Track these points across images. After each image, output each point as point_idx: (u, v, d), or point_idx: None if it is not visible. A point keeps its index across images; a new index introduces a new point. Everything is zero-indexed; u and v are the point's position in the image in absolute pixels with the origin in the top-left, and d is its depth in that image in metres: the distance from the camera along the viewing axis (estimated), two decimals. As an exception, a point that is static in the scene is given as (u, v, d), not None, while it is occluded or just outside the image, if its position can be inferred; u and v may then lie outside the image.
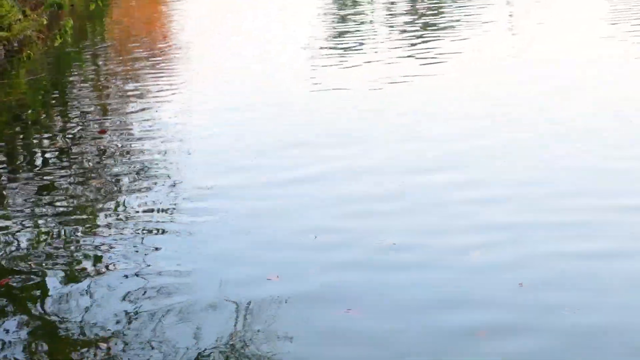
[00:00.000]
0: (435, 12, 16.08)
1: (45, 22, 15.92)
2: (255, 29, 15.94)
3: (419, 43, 13.03)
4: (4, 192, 7.41)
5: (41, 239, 6.27)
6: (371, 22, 15.80)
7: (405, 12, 16.67)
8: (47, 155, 8.79)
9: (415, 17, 15.98)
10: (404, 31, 14.46)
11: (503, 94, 9.80)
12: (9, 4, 15.50)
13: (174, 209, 6.77)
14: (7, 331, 4.76)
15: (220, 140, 8.71)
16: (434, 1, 17.36)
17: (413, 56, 12.13)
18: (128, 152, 8.58)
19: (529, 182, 6.89)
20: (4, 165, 8.31)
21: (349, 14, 16.69)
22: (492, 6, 16.43)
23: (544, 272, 5.25)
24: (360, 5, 18.28)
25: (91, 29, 17.74)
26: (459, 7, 16.34)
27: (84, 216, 6.75)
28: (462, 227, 6.07)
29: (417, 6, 17.23)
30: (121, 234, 6.27)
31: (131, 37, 16.32)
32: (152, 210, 6.72)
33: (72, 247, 6.13)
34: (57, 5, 15.82)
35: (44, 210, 6.88)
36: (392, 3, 17.96)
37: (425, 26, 14.65)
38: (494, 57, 11.88)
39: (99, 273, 5.59)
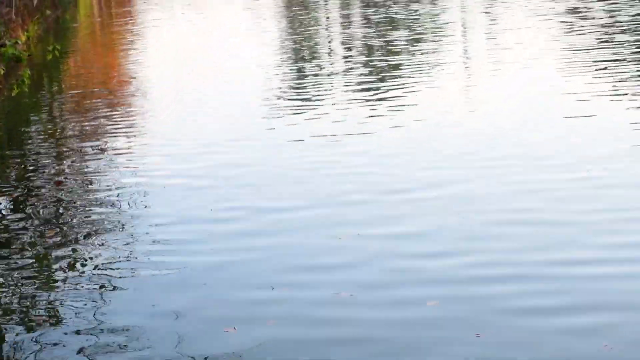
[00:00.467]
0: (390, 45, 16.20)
1: (2, 72, 15.91)
2: (213, 71, 16.04)
3: (375, 91, 13.07)
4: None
5: (-5, 293, 6.27)
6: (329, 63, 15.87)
7: (362, 49, 16.77)
8: (2, 206, 8.78)
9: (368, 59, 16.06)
10: (362, 75, 14.51)
11: (450, 150, 9.85)
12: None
13: (128, 262, 6.81)
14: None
15: (176, 191, 8.78)
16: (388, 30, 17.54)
17: (370, 105, 12.19)
18: (84, 204, 8.62)
19: (478, 237, 7.03)
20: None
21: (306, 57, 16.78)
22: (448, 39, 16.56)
23: (501, 330, 5.38)
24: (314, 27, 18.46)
25: (48, 78, 17.73)
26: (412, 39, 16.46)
27: (39, 270, 6.76)
28: (412, 280, 6.22)
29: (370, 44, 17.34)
30: (76, 289, 6.29)
31: (88, 86, 16.33)
32: (107, 264, 6.75)
33: (27, 302, 6.14)
34: (16, 58, 15.83)
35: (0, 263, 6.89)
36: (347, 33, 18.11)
37: (380, 71, 14.71)
38: (444, 109, 11.91)
39: (53, 327, 5.60)
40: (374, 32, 19.60)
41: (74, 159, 10.94)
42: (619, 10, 19.32)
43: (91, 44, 23.69)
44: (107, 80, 16.93)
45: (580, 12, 19.77)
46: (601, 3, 20.85)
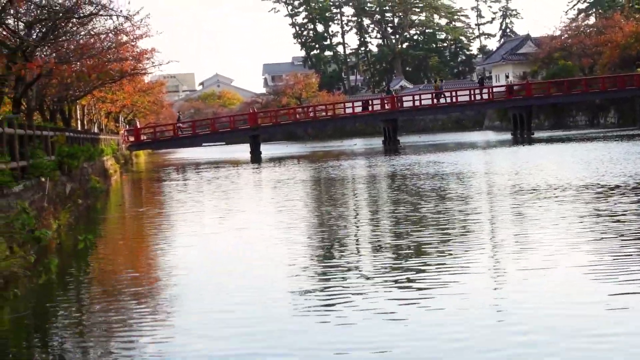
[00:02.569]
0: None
1: (32, 260, 16.05)
2: (241, 264, 16.10)
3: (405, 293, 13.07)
4: None
5: None
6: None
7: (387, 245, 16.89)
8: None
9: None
10: (391, 278, 14.55)
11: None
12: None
13: None
14: None
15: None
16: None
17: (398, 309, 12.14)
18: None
19: None
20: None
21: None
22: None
23: None
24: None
25: (77, 267, 17.83)
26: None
27: None
28: None
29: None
30: None
31: (117, 275, 16.40)
32: None
33: None
34: (36, 239, 16.00)
35: None
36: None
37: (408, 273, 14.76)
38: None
39: None
40: (403, 230, 19.71)
41: (99, 352, 10.85)
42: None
43: (121, 233, 23.95)
44: (136, 270, 17.00)
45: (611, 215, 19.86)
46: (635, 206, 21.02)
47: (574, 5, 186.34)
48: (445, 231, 18.98)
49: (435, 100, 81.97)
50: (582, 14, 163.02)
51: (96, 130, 63.54)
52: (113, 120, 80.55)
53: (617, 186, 25.99)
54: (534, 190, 26.51)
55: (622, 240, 16.51)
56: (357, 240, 18.87)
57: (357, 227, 21.24)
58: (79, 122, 52.75)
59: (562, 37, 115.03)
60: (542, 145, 57.27)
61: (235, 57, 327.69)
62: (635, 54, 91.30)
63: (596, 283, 12.92)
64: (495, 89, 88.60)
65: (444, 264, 15.09)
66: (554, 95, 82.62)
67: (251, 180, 41.54)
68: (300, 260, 16.36)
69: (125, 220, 27.00)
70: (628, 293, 12.11)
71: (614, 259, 14.63)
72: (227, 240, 20.11)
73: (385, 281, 13.89)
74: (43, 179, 24.29)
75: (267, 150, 79.84)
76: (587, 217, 19.94)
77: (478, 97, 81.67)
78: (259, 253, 17.89)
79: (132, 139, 76.30)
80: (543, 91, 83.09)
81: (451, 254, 15.84)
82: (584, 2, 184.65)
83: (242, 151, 79.95)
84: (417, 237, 18.14)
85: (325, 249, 17.64)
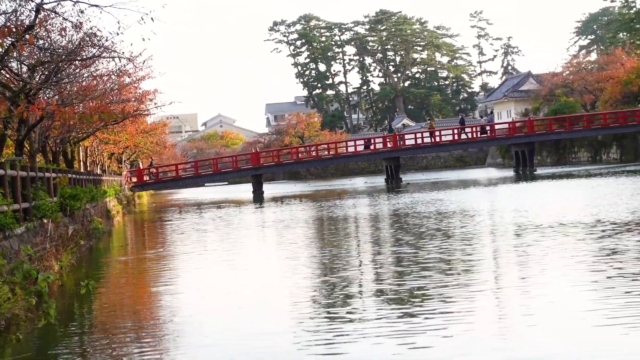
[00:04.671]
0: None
1: (34, 302, 15.98)
2: (245, 305, 16.01)
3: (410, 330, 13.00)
4: None
5: None
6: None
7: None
8: None
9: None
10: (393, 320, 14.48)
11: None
12: (-1, 283, 15.62)
13: None
14: None
15: None
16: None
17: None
18: None
19: None
20: None
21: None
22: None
23: None
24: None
25: (79, 310, 17.79)
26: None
27: None
28: None
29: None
30: None
31: (118, 319, 16.32)
32: None
33: None
34: (37, 293, 15.92)
35: None
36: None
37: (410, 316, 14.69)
38: None
39: None
40: (407, 272, 19.63)
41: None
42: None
43: (124, 275, 23.86)
44: (138, 313, 16.92)
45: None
46: None
47: (575, 42, 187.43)
48: (449, 273, 18.87)
49: (457, 136, 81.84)
50: (584, 51, 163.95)
51: (99, 171, 63.64)
52: (116, 161, 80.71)
53: (622, 223, 25.90)
54: (538, 228, 26.44)
55: (628, 281, 16.40)
56: (360, 283, 18.75)
57: (360, 269, 21.14)
58: (81, 163, 52.84)
59: (564, 74, 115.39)
60: (545, 182, 57.23)
61: (237, 97, 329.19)
62: (637, 90, 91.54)
63: (602, 327, 12.82)
64: (497, 126, 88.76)
65: (448, 311, 14.91)
66: (556, 132, 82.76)
67: (253, 221, 41.49)
68: (302, 305, 16.26)
69: (127, 262, 26.93)
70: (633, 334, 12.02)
71: (620, 300, 14.53)
72: (230, 283, 20.04)
73: (388, 326, 13.79)
74: (45, 221, 24.28)
75: (270, 189, 79.88)
76: (592, 256, 19.85)
77: (463, 136, 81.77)
78: (261, 296, 17.81)
79: (134, 179, 76.39)
80: (545, 128, 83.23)
81: (454, 300, 15.65)
82: (585, 38, 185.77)
83: (245, 191, 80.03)
84: (421, 281, 17.99)
85: (327, 293, 17.53)
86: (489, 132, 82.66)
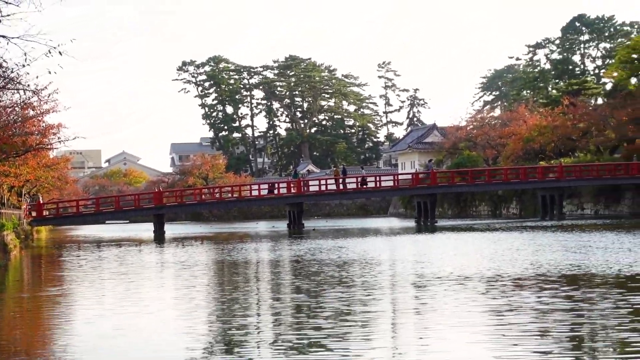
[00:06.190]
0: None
1: None
2: (140, 340, 15.70)
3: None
4: None
5: None
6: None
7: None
8: None
9: None
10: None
11: None
12: None
13: None
14: None
15: None
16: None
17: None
18: None
19: None
20: None
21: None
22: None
23: None
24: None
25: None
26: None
27: None
28: None
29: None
30: None
31: (9, 353, 15.91)
32: None
33: None
34: None
35: None
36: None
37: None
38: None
39: None
40: (304, 320, 19.55)
41: None
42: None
43: (17, 310, 23.30)
44: (31, 348, 16.52)
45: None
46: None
47: (480, 97, 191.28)
48: (345, 323, 18.84)
49: (361, 185, 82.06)
50: (488, 106, 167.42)
51: (-3, 204, 62.20)
52: (16, 194, 79.09)
53: (523, 278, 26.24)
54: (438, 279, 26.65)
55: (519, 334, 16.58)
56: (256, 331, 18.56)
57: (258, 316, 20.96)
58: (-21, 195, 51.62)
59: (468, 128, 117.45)
60: (445, 234, 57.85)
61: (143, 136, 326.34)
62: (538, 147, 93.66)
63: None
64: (400, 177, 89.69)
65: None
66: (458, 185, 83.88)
67: (152, 261, 41.00)
68: (196, 353, 16.05)
69: (22, 298, 26.30)
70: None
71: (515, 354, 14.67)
72: (124, 326, 19.63)
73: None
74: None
75: (171, 230, 79.17)
76: (491, 310, 20.04)
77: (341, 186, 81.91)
78: (154, 340, 17.52)
79: (34, 214, 74.93)
80: (447, 180, 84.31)
81: (351, 354, 15.59)
82: (490, 94, 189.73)
83: (146, 230, 79.20)
84: (319, 332, 17.87)
85: (222, 340, 17.35)
86: (368, 184, 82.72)
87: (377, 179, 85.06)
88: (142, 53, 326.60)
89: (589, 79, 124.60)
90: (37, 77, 73.43)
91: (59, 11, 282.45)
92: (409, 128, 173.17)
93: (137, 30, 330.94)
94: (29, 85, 31.58)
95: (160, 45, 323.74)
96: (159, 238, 66.22)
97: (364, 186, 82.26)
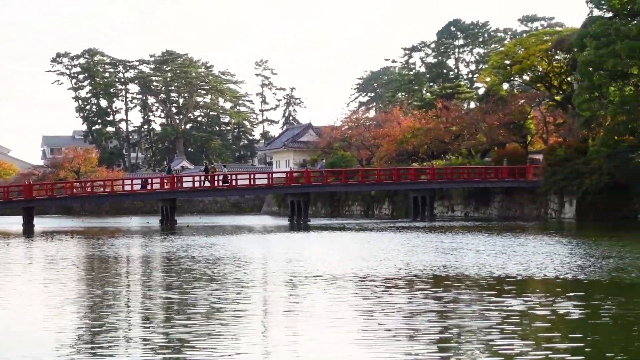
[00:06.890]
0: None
1: None
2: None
3: None
4: None
5: None
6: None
7: None
8: None
9: None
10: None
11: None
12: None
13: None
14: None
15: None
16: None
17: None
18: None
19: None
20: None
21: None
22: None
23: None
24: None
25: None
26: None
27: None
28: None
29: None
30: None
31: None
32: None
33: None
34: None
35: None
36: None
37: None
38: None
39: None
40: (174, 317, 19.31)
41: None
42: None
43: None
44: None
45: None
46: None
47: (356, 98, 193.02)
48: (216, 321, 18.67)
49: (217, 183, 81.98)
50: (363, 107, 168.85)
51: None
52: None
53: (394, 278, 26.41)
54: (310, 278, 26.66)
55: (390, 335, 16.68)
56: (125, 329, 18.21)
57: (127, 313, 20.58)
58: None
59: (343, 128, 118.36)
60: (319, 233, 58.10)
61: (13, 127, 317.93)
62: (412, 149, 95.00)
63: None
64: (275, 175, 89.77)
65: None
66: (332, 184, 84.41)
67: (20, 255, 39.96)
68: (64, 351, 15.65)
69: None
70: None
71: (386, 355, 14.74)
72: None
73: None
74: None
75: (41, 223, 77.49)
76: (362, 310, 20.12)
77: (207, 183, 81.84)
78: (20, 338, 17.02)
79: None
80: (321, 179, 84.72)
81: (219, 352, 15.45)
82: (366, 95, 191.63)
83: (15, 223, 77.41)
84: (187, 329, 17.66)
85: (90, 338, 16.97)
86: (229, 182, 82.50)
87: (252, 176, 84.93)
88: (15, 43, 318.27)
89: (462, 83, 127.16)
90: None
91: None
92: (285, 127, 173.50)
93: None
94: None
95: (34, 36, 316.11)
96: (28, 231, 64.81)
97: (225, 184, 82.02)
